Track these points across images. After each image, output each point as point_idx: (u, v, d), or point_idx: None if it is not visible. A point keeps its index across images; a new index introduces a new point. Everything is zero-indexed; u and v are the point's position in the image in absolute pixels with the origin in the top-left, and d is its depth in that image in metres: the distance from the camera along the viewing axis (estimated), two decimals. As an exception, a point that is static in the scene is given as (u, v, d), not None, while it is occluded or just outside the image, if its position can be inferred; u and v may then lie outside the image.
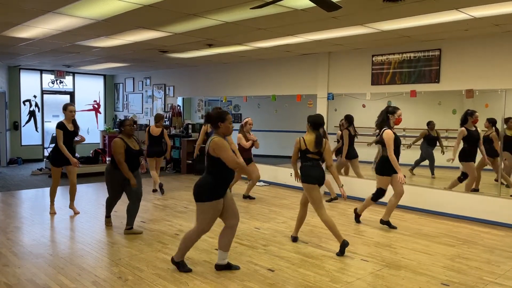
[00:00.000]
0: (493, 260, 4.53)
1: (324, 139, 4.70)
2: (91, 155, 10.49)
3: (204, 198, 3.82)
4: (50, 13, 5.26)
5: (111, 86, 14.39)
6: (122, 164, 5.08)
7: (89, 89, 13.85)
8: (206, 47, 7.72)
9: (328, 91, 8.15)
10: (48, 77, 12.79)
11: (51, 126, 13.02)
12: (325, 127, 8.18)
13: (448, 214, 6.42)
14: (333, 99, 8.14)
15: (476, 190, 7.00)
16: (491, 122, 7.05)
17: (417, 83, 6.89)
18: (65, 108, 6.25)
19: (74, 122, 6.22)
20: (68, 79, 13.18)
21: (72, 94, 13.42)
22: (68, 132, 6.08)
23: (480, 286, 3.81)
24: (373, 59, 7.45)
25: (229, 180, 3.94)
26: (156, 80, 12.61)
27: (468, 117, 6.61)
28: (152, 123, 8.46)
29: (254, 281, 3.85)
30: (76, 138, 6.30)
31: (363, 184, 7.50)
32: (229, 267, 4.09)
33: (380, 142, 5.52)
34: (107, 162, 5.60)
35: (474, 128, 6.65)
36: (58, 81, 13.01)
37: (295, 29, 6.05)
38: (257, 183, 9.15)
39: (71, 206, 6.37)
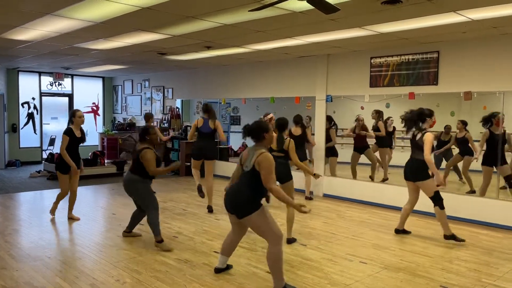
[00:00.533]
0: (492, 262, 4.53)
1: (288, 139, 5.00)
2: (89, 157, 10.48)
3: (252, 210, 3.53)
4: (49, 15, 5.26)
5: (110, 88, 14.39)
6: (158, 171, 4.88)
7: (87, 91, 13.84)
8: (204, 49, 7.73)
9: (326, 93, 8.15)
10: (46, 79, 12.78)
11: (49, 128, 13.03)
12: (324, 128, 8.25)
13: (447, 216, 6.40)
14: (331, 101, 8.14)
15: (472, 192, 7.01)
16: (464, 123, 7.69)
17: (416, 85, 6.90)
18: (73, 114, 6.04)
19: (81, 129, 6.11)
20: (66, 81, 13.16)
21: (70, 97, 13.41)
22: (75, 138, 5.96)
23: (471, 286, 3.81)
24: (372, 61, 7.46)
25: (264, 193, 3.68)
26: (155, 82, 12.61)
27: (492, 119, 6.51)
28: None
29: (253, 283, 3.84)
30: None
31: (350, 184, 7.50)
32: (226, 268, 4.08)
33: (417, 144, 5.29)
34: (126, 173, 5.12)
35: (498, 131, 6.53)
36: (57, 83, 13.00)
37: (293, 32, 6.05)
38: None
39: (70, 215, 6.16)
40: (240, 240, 4.00)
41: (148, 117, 8.06)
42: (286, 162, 5.04)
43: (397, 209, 6.93)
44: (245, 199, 3.52)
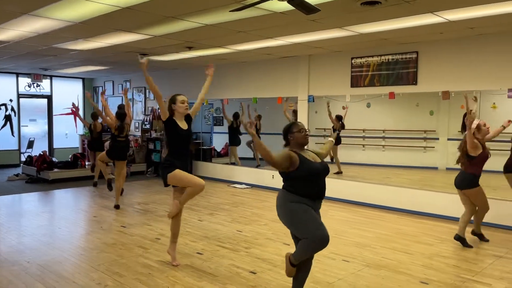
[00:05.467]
0: (471, 258, 4.63)
1: None
2: (70, 159, 10.31)
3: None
4: (26, 15, 5.17)
5: (90, 89, 14.18)
6: None
7: (67, 93, 13.59)
8: (186, 50, 7.69)
9: (308, 93, 8.21)
10: (24, 81, 12.52)
11: (27, 130, 12.77)
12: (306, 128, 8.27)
13: (428, 213, 6.53)
14: (313, 101, 8.20)
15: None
16: (338, 118, 8.95)
17: (396, 85, 7.00)
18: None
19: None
20: (45, 83, 12.93)
21: (49, 98, 13.18)
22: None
23: (458, 284, 3.89)
24: (352, 61, 7.54)
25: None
26: (136, 83, 12.49)
27: None
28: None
29: (236, 284, 3.84)
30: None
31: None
32: None
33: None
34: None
35: None
36: (35, 85, 12.75)
37: (275, 32, 6.08)
38: (239, 186, 9.15)
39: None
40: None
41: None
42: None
43: (379, 207, 7.03)
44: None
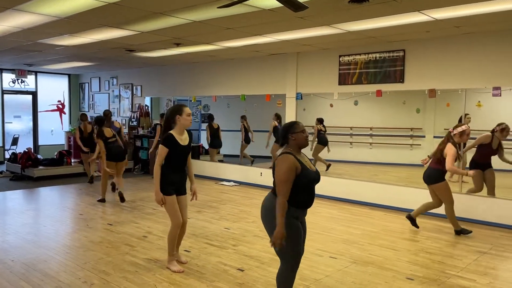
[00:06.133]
0: (456, 254, 4.69)
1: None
2: (55, 157, 10.18)
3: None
4: (10, 10, 5.07)
5: (76, 85, 14.01)
6: None
7: (52, 89, 13.43)
8: (174, 46, 7.63)
9: (296, 90, 8.22)
10: (8, 77, 12.30)
11: (12, 127, 12.57)
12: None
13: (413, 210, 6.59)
14: (301, 98, 8.22)
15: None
16: (320, 121, 9.25)
17: (383, 83, 7.05)
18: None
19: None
20: (30, 79, 12.73)
21: (34, 94, 12.98)
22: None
23: (443, 279, 3.94)
24: (340, 59, 7.57)
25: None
26: (123, 80, 12.36)
27: None
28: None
29: (224, 281, 3.83)
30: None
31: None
32: None
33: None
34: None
35: None
36: (20, 81, 12.55)
37: (263, 29, 6.06)
38: (227, 183, 9.14)
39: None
40: None
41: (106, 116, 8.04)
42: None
43: (366, 204, 7.09)
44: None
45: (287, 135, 3.01)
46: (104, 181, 7.20)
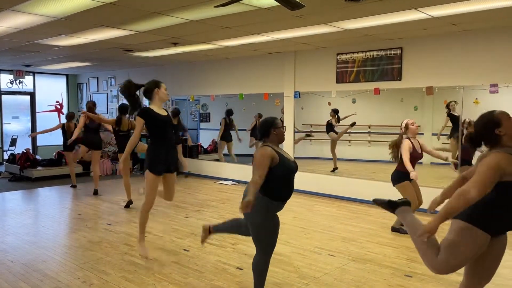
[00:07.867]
0: (454, 251, 4.70)
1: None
2: (54, 157, 10.17)
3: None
4: (7, 10, 5.06)
5: (74, 86, 13.99)
6: None
7: (50, 90, 13.40)
8: (171, 46, 7.63)
9: (294, 89, 8.22)
10: (6, 77, 12.28)
11: (10, 128, 12.55)
12: (293, 124, 8.33)
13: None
14: (299, 97, 8.22)
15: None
16: (335, 111, 9.23)
17: (380, 81, 7.06)
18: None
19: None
20: (28, 79, 12.71)
21: (32, 95, 12.96)
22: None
23: (442, 276, 3.95)
24: (338, 57, 7.57)
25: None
26: (121, 80, 12.34)
27: None
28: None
29: (223, 280, 3.84)
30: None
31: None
32: None
33: None
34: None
35: None
36: (17, 81, 12.53)
37: (260, 28, 6.07)
38: (226, 182, 9.15)
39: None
40: None
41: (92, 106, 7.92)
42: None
43: (364, 202, 7.10)
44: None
45: (270, 129, 3.14)
46: (126, 179, 6.88)
